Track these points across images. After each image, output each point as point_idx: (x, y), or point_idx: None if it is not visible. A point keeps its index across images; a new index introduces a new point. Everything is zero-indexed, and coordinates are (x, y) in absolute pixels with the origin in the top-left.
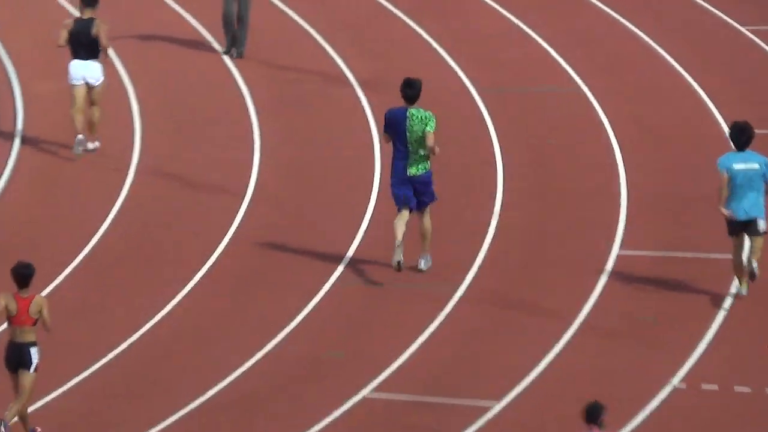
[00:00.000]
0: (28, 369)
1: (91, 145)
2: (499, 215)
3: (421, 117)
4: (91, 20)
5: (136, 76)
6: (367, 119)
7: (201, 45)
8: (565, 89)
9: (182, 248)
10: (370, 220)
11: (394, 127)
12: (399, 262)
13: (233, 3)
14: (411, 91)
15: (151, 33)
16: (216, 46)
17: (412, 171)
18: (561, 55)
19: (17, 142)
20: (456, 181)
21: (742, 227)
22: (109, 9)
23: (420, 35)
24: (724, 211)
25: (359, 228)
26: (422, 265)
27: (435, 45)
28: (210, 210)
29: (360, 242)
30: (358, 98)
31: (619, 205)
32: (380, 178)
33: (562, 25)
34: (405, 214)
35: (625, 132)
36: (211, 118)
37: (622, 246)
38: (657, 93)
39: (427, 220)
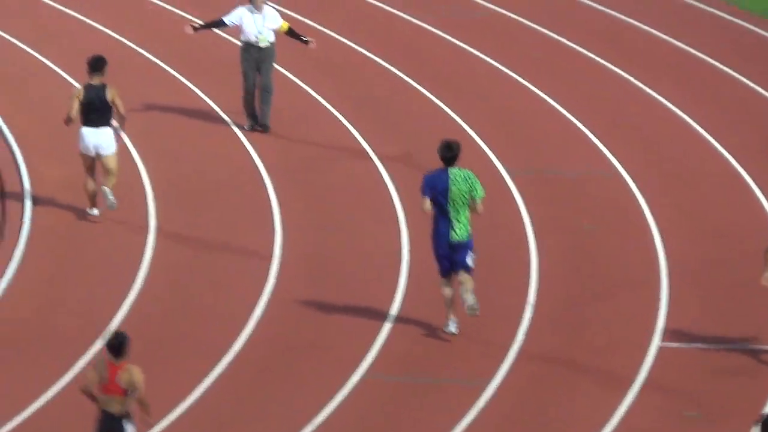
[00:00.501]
0: None
1: (96, 210)
2: (534, 304)
3: (464, 176)
4: (103, 86)
5: (147, 152)
6: (390, 194)
7: (215, 120)
8: (601, 172)
9: (202, 334)
10: (400, 307)
11: (434, 189)
12: (453, 332)
13: (255, 75)
14: (450, 153)
15: (163, 106)
16: (225, 117)
17: (455, 236)
18: (597, 136)
19: (26, 225)
20: (487, 267)
21: None
22: (117, 83)
23: (445, 112)
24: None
25: (388, 314)
26: (473, 301)
27: (461, 122)
28: (230, 294)
29: (389, 331)
30: (379, 173)
31: (659, 295)
32: (409, 259)
33: (597, 104)
34: (450, 279)
35: (665, 217)
36: (227, 194)
37: (664, 337)
38: (698, 175)
39: (466, 277)
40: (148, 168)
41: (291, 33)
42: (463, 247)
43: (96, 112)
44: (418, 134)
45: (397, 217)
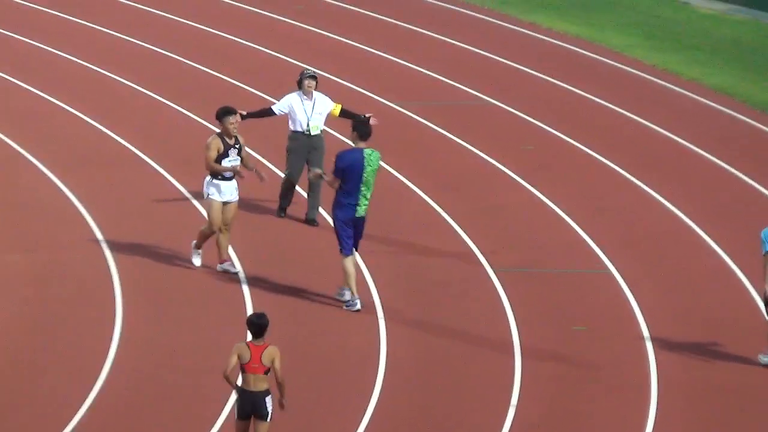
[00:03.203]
0: (265, 419)
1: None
2: (516, 409)
3: (376, 156)
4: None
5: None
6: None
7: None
8: (591, 270)
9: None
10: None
11: (350, 168)
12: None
13: (302, 166)
14: (368, 129)
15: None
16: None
17: (360, 212)
18: (588, 234)
19: None
20: (467, 369)
21: None
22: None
23: (425, 201)
24: None
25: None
26: (348, 296)
27: (442, 212)
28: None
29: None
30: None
31: (648, 401)
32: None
33: (589, 200)
34: (352, 258)
35: (658, 319)
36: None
37: None
38: (693, 276)
39: (355, 260)
40: (118, 261)
41: (345, 113)
42: (362, 223)
43: None
44: (406, 233)
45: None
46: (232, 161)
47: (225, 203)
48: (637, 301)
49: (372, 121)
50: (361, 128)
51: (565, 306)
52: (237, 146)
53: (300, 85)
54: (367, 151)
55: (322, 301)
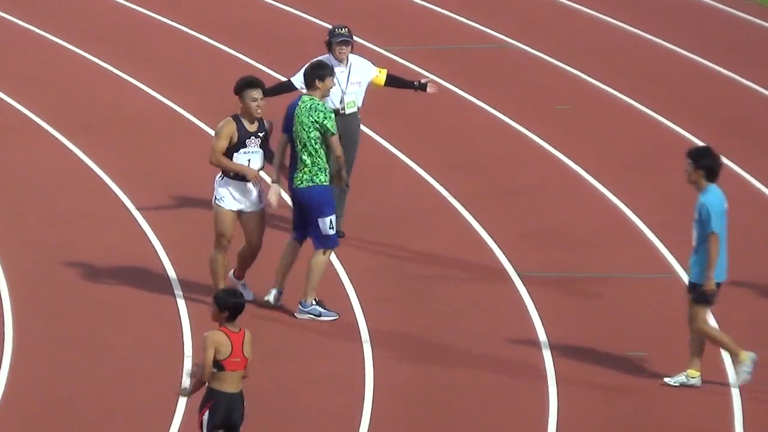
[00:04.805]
0: (238, 427)
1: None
2: None
3: (311, 105)
4: None
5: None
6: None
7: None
8: (652, 274)
9: None
10: None
11: (287, 124)
12: (270, 301)
13: None
14: (322, 70)
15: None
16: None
17: (296, 181)
18: (648, 225)
19: None
20: (492, 395)
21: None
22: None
23: (437, 192)
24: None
25: None
26: (313, 313)
27: (457, 205)
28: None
29: None
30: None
31: None
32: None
33: (647, 183)
34: (293, 244)
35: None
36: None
37: None
38: None
39: (315, 261)
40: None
41: (393, 81)
42: (307, 201)
43: None
44: (419, 228)
45: None
46: (250, 154)
47: (240, 212)
48: (716, 320)
49: (430, 89)
50: (308, 70)
51: (616, 322)
52: (261, 134)
53: (330, 48)
54: (303, 98)
55: (286, 321)
